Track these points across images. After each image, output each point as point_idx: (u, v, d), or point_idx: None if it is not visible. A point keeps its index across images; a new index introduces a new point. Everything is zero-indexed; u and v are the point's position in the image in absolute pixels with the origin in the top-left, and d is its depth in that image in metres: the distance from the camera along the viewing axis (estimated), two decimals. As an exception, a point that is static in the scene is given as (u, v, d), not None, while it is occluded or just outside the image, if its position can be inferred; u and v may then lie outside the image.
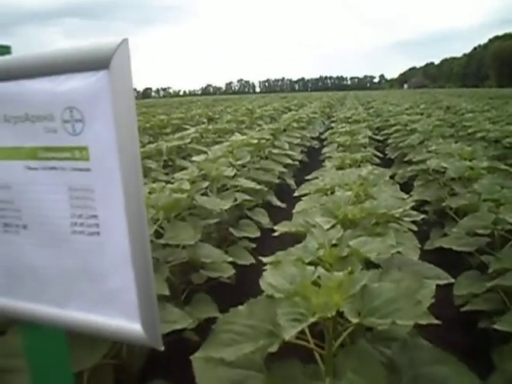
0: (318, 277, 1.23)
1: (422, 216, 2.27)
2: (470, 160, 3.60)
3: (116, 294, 0.67)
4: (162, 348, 0.66)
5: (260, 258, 1.62)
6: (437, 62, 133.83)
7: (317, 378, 1.17)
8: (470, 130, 6.14)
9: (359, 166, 3.54)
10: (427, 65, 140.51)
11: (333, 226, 1.66)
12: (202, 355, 1.19)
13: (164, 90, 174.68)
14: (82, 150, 0.61)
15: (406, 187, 4.21)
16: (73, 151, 0.62)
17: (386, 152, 6.37)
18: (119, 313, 0.67)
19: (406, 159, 4.94)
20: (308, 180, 3.41)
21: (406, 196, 2.67)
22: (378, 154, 4.86)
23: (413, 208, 2.36)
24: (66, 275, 0.70)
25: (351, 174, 2.63)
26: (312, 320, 1.04)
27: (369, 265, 1.56)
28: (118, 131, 0.57)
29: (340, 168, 3.39)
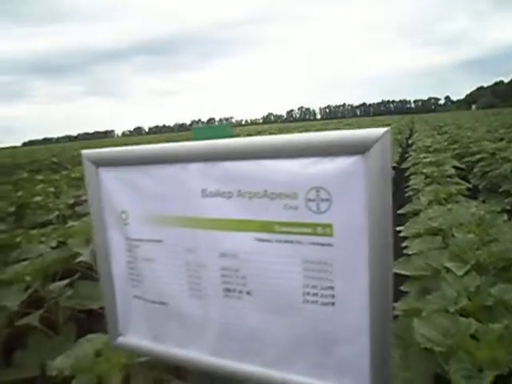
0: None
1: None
2: None
3: (345, 360, 0.68)
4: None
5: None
6: (506, 79, 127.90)
7: None
8: None
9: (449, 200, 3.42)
10: (496, 83, 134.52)
11: (466, 272, 1.61)
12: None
13: (227, 119, 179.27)
14: (326, 227, 0.64)
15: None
16: (315, 227, 0.65)
17: (470, 180, 6.12)
18: (346, 379, 0.69)
19: (501, 190, 4.74)
20: (402, 214, 3.36)
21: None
22: (468, 184, 4.68)
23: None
24: (291, 339, 0.72)
25: (458, 211, 2.55)
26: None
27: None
28: (370, 213, 0.60)
29: (438, 203, 3.29)
